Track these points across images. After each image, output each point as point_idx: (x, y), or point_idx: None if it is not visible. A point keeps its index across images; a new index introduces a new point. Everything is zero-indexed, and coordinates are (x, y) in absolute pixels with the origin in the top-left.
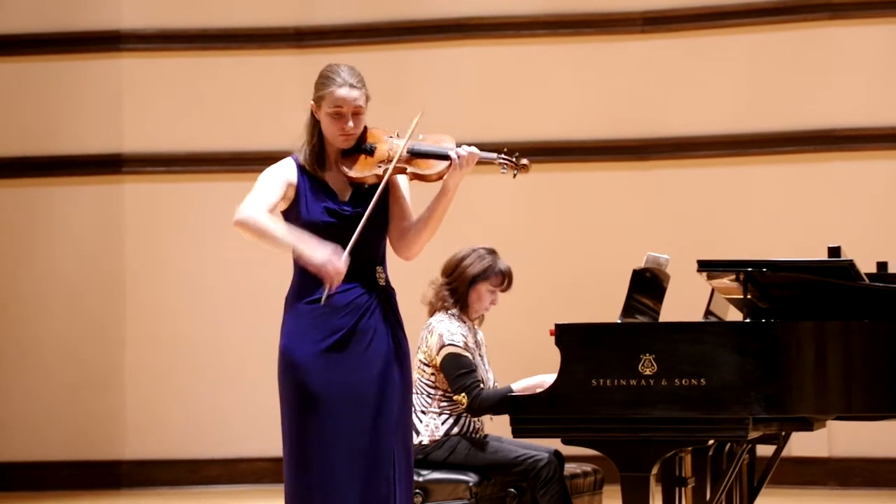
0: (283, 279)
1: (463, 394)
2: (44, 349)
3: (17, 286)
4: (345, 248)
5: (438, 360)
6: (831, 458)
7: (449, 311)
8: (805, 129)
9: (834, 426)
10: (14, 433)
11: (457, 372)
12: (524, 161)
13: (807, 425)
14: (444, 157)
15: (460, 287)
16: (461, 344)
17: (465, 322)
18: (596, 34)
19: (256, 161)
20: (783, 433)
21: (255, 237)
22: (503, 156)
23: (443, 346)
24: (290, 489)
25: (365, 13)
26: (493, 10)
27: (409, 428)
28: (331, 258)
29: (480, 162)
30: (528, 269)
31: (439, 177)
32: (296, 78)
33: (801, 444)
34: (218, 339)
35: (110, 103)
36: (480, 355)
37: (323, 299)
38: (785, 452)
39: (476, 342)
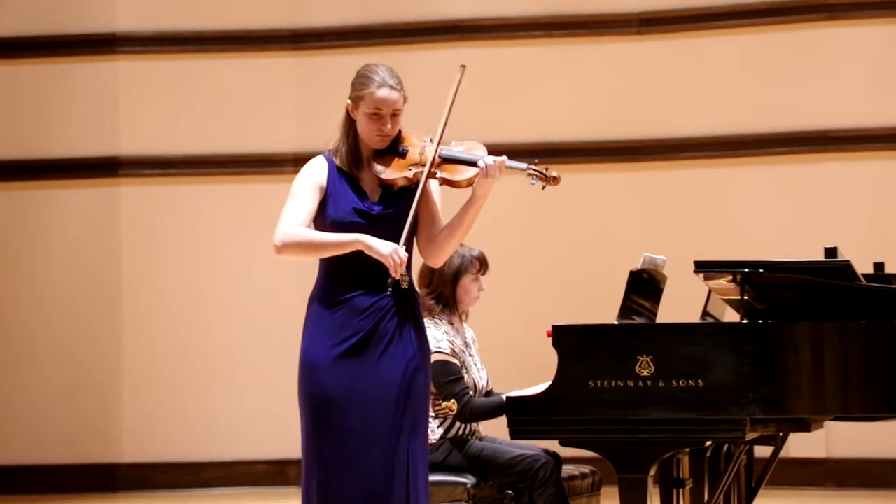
0: (279, 282)
1: (452, 400)
2: (40, 352)
3: (13, 289)
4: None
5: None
6: (829, 459)
7: (435, 318)
8: (800, 130)
9: (832, 427)
10: (11, 436)
11: (445, 379)
12: (554, 173)
13: (804, 426)
14: (474, 163)
15: (445, 290)
16: (448, 350)
17: (451, 325)
18: (591, 35)
19: (253, 163)
20: (781, 434)
21: (301, 253)
22: (533, 167)
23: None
24: (305, 488)
25: (360, 15)
26: (489, 12)
27: (425, 430)
28: (396, 247)
29: (509, 170)
30: (525, 270)
31: (469, 183)
32: (291, 80)
33: (799, 445)
34: (214, 342)
35: (106, 106)
36: (471, 355)
37: (389, 287)
38: (783, 453)
39: (465, 342)
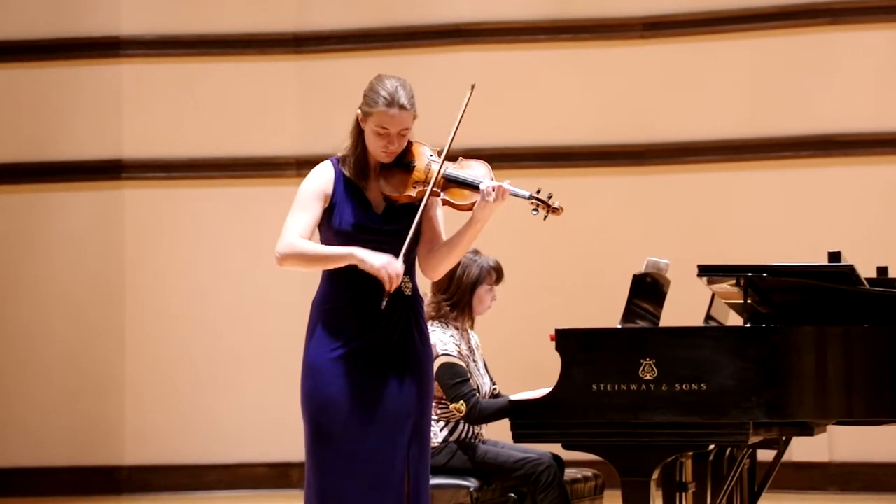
0: (282, 284)
1: (461, 401)
2: (43, 355)
3: (16, 292)
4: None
5: (433, 369)
6: (832, 463)
7: (441, 321)
8: (805, 134)
9: (834, 431)
10: (14, 439)
11: (453, 381)
12: (556, 203)
13: (807, 430)
14: (477, 187)
15: (462, 299)
16: (455, 353)
17: (457, 329)
18: (596, 39)
19: (255, 167)
20: (784, 438)
21: (300, 265)
22: (536, 195)
23: (437, 356)
24: (308, 491)
25: (363, 18)
26: (492, 16)
27: (427, 434)
28: (390, 261)
29: (512, 197)
30: (528, 274)
31: (470, 207)
32: (294, 83)
33: (802, 449)
34: (217, 345)
35: (110, 109)
36: (474, 360)
37: (383, 304)
38: (785, 457)
39: (470, 348)
